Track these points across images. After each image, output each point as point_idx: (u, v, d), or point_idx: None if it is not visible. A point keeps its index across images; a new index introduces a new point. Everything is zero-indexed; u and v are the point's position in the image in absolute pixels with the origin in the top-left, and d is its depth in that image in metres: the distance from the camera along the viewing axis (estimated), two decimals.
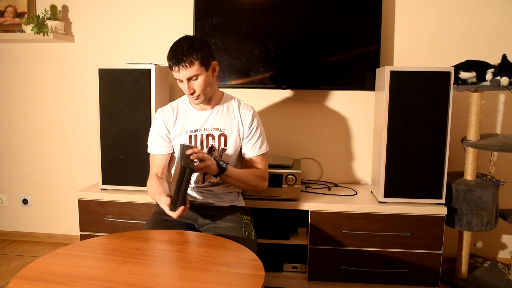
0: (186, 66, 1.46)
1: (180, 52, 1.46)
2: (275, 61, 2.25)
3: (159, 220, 1.57)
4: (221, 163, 1.51)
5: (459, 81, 1.97)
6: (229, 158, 1.64)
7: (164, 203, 1.41)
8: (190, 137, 1.63)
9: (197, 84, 1.52)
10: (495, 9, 2.24)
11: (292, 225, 2.15)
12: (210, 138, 1.63)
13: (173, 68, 1.49)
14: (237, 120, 1.65)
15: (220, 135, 1.63)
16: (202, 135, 1.63)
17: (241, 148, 1.68)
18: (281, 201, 2.02)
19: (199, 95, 1.55)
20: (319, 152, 2.45)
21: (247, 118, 1.65)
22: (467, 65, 1.99)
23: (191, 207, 1.65)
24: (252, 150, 1.66)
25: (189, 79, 1.50)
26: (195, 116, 1.65)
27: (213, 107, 1.65)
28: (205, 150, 1.63)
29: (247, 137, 1.66)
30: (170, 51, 1.50)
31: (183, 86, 1.52)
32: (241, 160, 1.71)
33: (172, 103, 1.70)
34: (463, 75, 1.95)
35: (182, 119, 1.65)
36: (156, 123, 1.67)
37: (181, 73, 1.48)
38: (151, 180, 1.63)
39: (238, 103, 1.68)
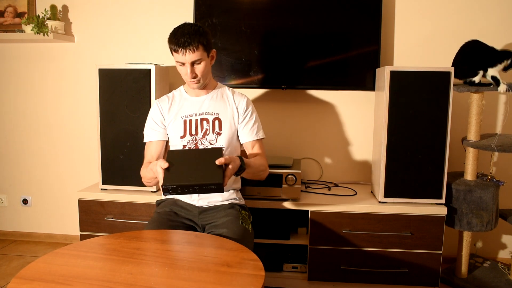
0: (193, 49, 1.51)
1: (187, 35, 1.50)
2: (275, 61, 2.25)
3: (164, 221, 1.57)
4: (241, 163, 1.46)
5: (473, 83, 1.97)
6: (225, 143, 1.64)
7: (161, 166, 1.33)
8: (184, 121, 1.65)
9: (199, 69, 1.57)
10: (495, 9, 2.24)
11: (292, 225, 2.15)
12: (204, 122, 1.65)
13: (179, 51, 1.52)
14: (231, 105, 1.68)
15: (214, 119, 1.65)
16: (196, 120, 1.65)
17: (237, 136, 1.69)
18: (281, 201, 2.02)
19: (199, 79, 1.59)
20: (319, 152, 2.45)
21: (242, 103, 1.69)
22: (471, 67, 1.97)
23: (191, 208, 1.65)
24: (250, 134, 1.68)
25: (192, 63, 1.54)
26: (190, 102, 1.69)
27: (207, 93, 1.69)
28: (200, 134, 1.64)
29: (242, 122, 1.68)
30: (174, 35, 1.53)
31: (185, 69, 1.56)
32: (237, 147, 1.72)
33: (168, 94, 1.76)
34: (476, 79, 1.94)
35: (177, 106, 1.69)
36: (152, 111, 1.71)
37: (187, 57, 1.52)
38: (146, 165, 1.63)
39: (232, 92, 1.74)
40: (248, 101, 1.71)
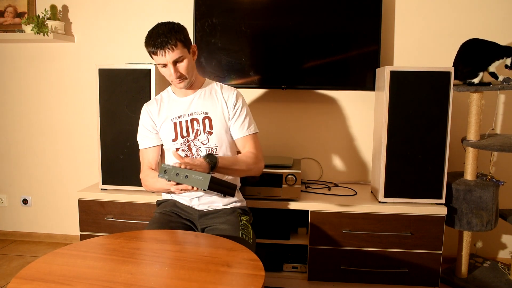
0: (172, 48, 1.46)
1: (163, 35, 1.46)
2: (275, 61, 2.25)
3: (165, 222, 1.56)
4: (208, 160, 1.43)
5: (473, 84, 1.97)
6: (216, 141, 1.61)
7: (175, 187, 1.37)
8: (175, 124, 1.62)
9: (183, 67, 1.52)
10: (495, 9, 2.24)
11: (292, 225, 2.15)
12: (194, 122, 1.61)
13: (158, 53, 1.47)
14: (220, 101, 1.63)
15: (204, 118, 1.61)
16: (186, 121, 1.61)
17: (230, 132, 1.66)
18: (281, 201, 2.02)
19: (185, 78, 1.55)
20: (319, 152, 2.45)
21: (231, 98, 1.64)
22: (472, 69, 1.97)
23: (191, 211, 1.65)
24: (241, 130, 1.63)
25: (174, 63, 1.50)
26: (178, 102, 1.65)
27: (195, 91, 1.65)
28: (192, 136, 1.61)
29: (233, 118, 1.63)
30: (150, 37, 1.49)
31: (168, 71, 1.52)
32: (232, 144, 1.68)
33: (156, 96, 1.72)
34: (476, 80, 1.95)
35: (166, 108, 1.65)
36: (142, 117, 1.69)
37: (167, 56, 1.47)
38: (147, 172, 1.63)
39: (220, 86, 1.68)
40: (237, 94, 1.66)
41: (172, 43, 1.46)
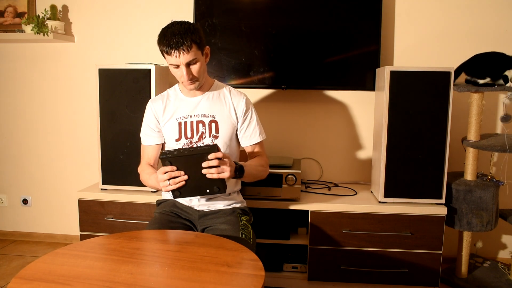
0: (187, 49, 1.43)
1: (179, 35, 1.42)
2: (275, 61, 2.25)
3: (165, 222, 1.56)
4: (237, 166, 1.48)
5: (477, 84, 1.96)
6: (222, 146, 1.60)
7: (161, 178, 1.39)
8: (179, 124, 1.61)
9: (196, 69, 1.50)
10: (495, 9, 2.24)
11: (292, 225, 2.15)
12: (200, 125, 1.60)
13: (171, 53, 1.44)
14: (228, 105, 1.63)
15: (211, 122, 1.60)
16: (192, 122, 1.60)
17: (236, 136, 1.66)
18: (281, 201, 2.02)
19: (196, 80, 1.53)
20: (319, 152, 2.45)
21: (241, 104, 1.63)
22: (477, 69, 1.95)
23: (191, 211, 1.65)
24: (253, 137, 1.65)
25: (187, 64, 1.47)
26: (185, 102, 1.63)
27: (203, 93, 1.63)
28: (196, 138, 1.60)
29: (242, 125, 1.63)
30: (164, 36, 1.44)
31: (180, 72, 1.49)
32: (236, 149, 1.69)
33: (163, 92, 1.70)
34: (481, 81, 1.94)
35: (172, 107, 1.63)
36: (146, 115, 1.68)
37: (181, 58, 1.44)
38: (144, 167, 1.64)
39: (229, 90, 1.67)
40: (247, 101, 1.66)
41: (187, 44, 1.42)
